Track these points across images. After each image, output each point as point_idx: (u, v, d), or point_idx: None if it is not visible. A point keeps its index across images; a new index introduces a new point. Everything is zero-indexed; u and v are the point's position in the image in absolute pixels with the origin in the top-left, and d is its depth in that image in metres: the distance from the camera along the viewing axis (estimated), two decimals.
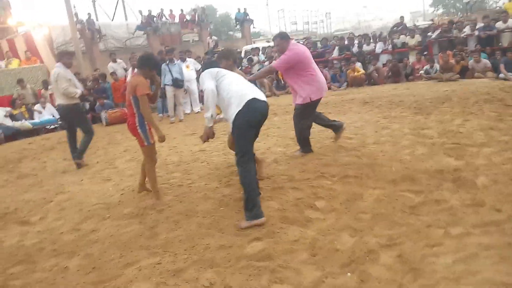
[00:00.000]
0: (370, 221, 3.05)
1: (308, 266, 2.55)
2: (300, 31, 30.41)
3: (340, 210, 3.28)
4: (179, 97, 9.77)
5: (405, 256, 2.53)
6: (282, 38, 4.87)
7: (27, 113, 10.69)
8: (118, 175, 5.27)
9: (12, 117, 10.46)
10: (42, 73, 12.45)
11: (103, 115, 10.68)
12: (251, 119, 3.31)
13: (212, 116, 3.42)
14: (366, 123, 6.45)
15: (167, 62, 9.67)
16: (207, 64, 4.06)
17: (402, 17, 16.31)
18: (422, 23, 21.73)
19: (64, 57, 5.89)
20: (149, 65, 3.96)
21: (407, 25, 16.67)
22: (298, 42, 16.82)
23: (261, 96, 3.44)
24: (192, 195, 4.06)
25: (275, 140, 6.07)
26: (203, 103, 3.84)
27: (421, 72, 11.36)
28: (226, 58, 4.33)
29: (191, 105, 10.69)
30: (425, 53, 12.13)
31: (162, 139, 3.99)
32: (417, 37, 12.77)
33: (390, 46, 12.93)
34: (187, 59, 10.37)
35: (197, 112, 10.50)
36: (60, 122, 10.91)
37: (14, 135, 10.06)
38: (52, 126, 10.87)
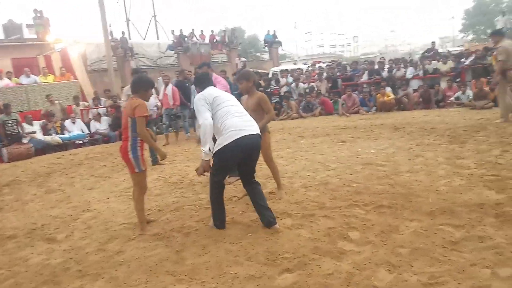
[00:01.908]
0: (408, 256, 2.86)
1: None
2: (326, 54, 30.44)
3: (375, 243, 3.10)
4: None
5: None
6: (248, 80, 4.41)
7: (59, 128, 10.93)
8: (145, 194, 5.21)
9: (44, 131, 10.72)
10: (75, 89, 12.79)
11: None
12: (234, 154, 3.47)
13: (210, 150, 3.43)
14: (398, 150, 6.25)
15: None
16: (200, 79, 3.95)
17: (433, 43, 16.10)
18: (453, 48, 21.37)
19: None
20: (143, 86, 3.89)
21: (439, 51, 16.42)
22: (326, 65, 16.81)
23: (253, 129, 3.54)
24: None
25: (303, 164, 5.94)
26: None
27: (452, 99, 11.08)
28: (247, 79, 4.33)
29: None
30: (458, 79, 11.85)
31: (163, 157, 3.99)
32: (450, 63, 12.52)
33: (421, 72, 12.71)
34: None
35: None
36: (88, 138, 11.12)
37: (44, 149, 10.28)
38: (81, 142, 11.07)
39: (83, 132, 11.23)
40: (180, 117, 10.29)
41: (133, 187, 3.97)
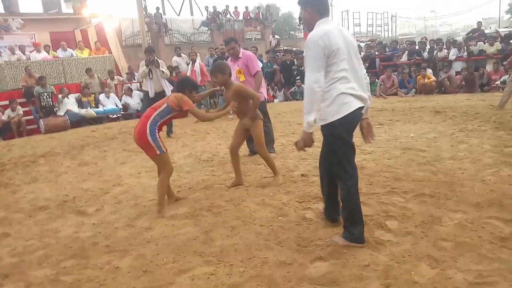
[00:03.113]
0: (452, 251, 2.64)
1: None
2: (363, 33, 29.35)
3: (416, 234, 2.89)
4: None
5: None
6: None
7: (93, 102, 11.08)
8: (176, 171, 5.14)
9: (79, 104, 10.90)
10: (110, 63, 12.90)
11: None
12: (349, 131, 2.76)
13: (315, 120, 2.64)
14: (440, 135, 5.91)
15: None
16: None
17: (479, 23, 15.13)
18: (502, 29, 20.09)
19: None
20: (187, 87, 3.79)
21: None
22: (365, 44, 16.18)
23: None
24: (250, 199, 3.84)
25: None
26: None
27: (497, 82, 10.42)
28: (222, 72, 4.06)
29: None
30: (505, 62, 11.12)
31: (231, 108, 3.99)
32: (497, 45, 11.74)
33: (465, 53, 12.00)
34: None
35: None
36: (122, 112, 11.23)
37: (79, 121, 10.46)
38: (115, 116, 11.20)
39: (117, 106, 11.35)
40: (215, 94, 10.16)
41: (161, 170, 3.84)
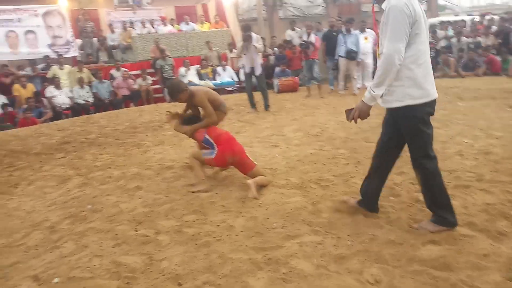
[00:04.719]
0: None
1: None
2: (497, 5, 25.93)
3: None
4: (352, 70, 9.39)
5: None
6: None
7: (211, 74, 11.76)
8: (285, 143, 5.33)
9: (199, 76, 11.67)
10: (227, 37, 13.47)
11: (276, 82, 11.03)
12: (427, 120, 2.57)
13: (382, 95, 2.54)
14: None
15: (344, 32, 9.33)
16: None
17: None
18: None
19: None
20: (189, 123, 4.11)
21: None
22: (500, 17, 14.37)
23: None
24: (358, 177, 3.81)
25: (459, 128, 5.29)
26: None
27: None
28: (181, 92, 3.97)
29: (362, 79, 10.20)
30: None
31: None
32: None
33: None
34: (367, 30, 9.79)
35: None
36: (237, 85, 11.74)
37: None
38: (230, 88, 11.76)
39: (232, 79, 11.90)
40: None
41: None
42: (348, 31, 9.29)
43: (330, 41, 9.66)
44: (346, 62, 9.32)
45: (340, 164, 4.27)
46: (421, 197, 3.22)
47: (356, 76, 9.63)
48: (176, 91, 4.04)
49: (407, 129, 2.59)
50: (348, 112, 2.68)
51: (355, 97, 8.93)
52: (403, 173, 3.81)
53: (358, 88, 9.60)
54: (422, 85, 2.48)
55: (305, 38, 10.34)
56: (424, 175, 2.66)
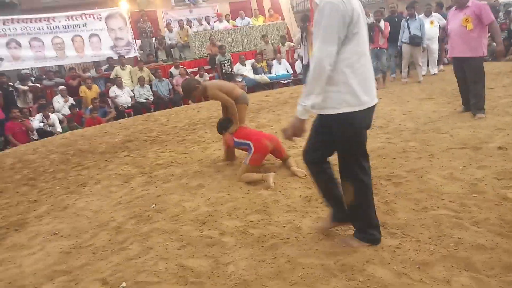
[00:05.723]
0: None
1: None
2: None
3: None
4: (416, 56, 8.81)
5: None
6: None
7: (266, 67, 11.64)
8: None
9: (254, 70, 11.59)
10: (282, 29, 13.27)
11: None
12: (364, 129, 2.33)
13: (313, 106, 2.17)
14: None
15: (407, 18, 8.76)
16: None
17: None
18: None
19: None
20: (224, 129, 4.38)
21: None
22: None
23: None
24: (435, 172, 3.49)
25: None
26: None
27: None
28: (193, 89, 4.24)
29: (428, 65, 9.56)
30: None
31: None
32: None
33: None
34: (433, 13, 9.13)
35: (433, 74, 9.36)
36: (292, 78, 11.52)
37: (254, 87, 11.16)
38: (286, 81, 11.57)
39: (287, 72, 11.69)
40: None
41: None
42: (412, 16, 8.71)
43: (391, 27, 9.12)
44: (410, 48, 8.76)
45: (412, 158, 3.96)
46: (510, 194, 2.90)
47: (421, 63, 9.04)
48: (189, 90, 4.23)
49: (341, 138, 2.30)
50: (284, 131, 2.36)
51: (420, 85, 8.39)
52: (484, 167, 3.45)
53: (423, 75, 9.02)
54: (359, 91, 2.17)
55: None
56: (358, 188, 2.38)
